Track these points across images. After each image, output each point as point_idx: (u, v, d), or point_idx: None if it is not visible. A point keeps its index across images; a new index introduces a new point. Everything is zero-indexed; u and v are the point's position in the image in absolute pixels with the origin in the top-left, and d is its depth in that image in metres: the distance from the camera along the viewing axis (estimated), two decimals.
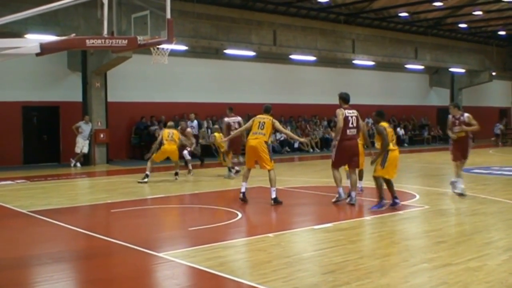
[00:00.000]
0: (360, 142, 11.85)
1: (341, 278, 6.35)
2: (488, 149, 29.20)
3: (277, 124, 11.74)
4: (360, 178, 12.54)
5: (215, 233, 8.87)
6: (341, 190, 11.26)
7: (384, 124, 10.93)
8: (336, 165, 11.38)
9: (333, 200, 11.39)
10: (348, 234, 8.72)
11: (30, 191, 14.20)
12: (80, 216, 11.17)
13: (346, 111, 11.19)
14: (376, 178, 10.79)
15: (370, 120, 32.03)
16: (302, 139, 14.83)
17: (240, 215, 10.20)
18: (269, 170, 11.38)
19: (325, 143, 28.65)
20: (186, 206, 12.23)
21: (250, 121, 11.86)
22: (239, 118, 16.61)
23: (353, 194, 11.18)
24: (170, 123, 17.03)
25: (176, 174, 16.01)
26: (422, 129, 35.56)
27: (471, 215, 10.49)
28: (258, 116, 11.73)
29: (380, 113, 11.17)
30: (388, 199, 10.81)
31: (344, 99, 11.42)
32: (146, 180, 15.20)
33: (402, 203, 11.36)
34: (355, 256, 7.35)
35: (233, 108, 16.95)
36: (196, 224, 9.63)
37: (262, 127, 11.46)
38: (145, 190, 14.16)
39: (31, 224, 9.98)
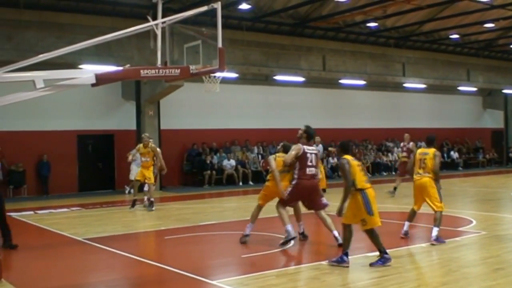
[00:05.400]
0: (429, 176, 9.90)
1: None
2: None
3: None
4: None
5: (268, 260, 8.83)
6: (289, 227, 9.64)
7: (347, 156, 8.46)
8: (285, 203, 9.92)
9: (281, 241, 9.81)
10: (404, 261, 8.55)
11: (85, 219, 14.45)
12: (135, 243, 11.31)
13: (305, 146, 9.74)
14: (345, 226, 8.50)
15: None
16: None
17: (292, 242, 10.09)
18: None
19: (376, 168, 28.37)
20: (239, 232, 12.19)
21: None
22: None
23: (335, 233, 9.62)
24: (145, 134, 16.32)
25: (151, 203, 15.67)
26: (477, 152, 34.66)
27: None
28: None
29: (342, 144, 8.86)
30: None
31: (308, 134, 9.91)
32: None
33: (459, 229, 11.08)
34: (412, 285, 7.19)
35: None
36: (249, 251, 9.61)
37: None
38: (198, 217, 14.21)
39: (86, 252, 10.15)
